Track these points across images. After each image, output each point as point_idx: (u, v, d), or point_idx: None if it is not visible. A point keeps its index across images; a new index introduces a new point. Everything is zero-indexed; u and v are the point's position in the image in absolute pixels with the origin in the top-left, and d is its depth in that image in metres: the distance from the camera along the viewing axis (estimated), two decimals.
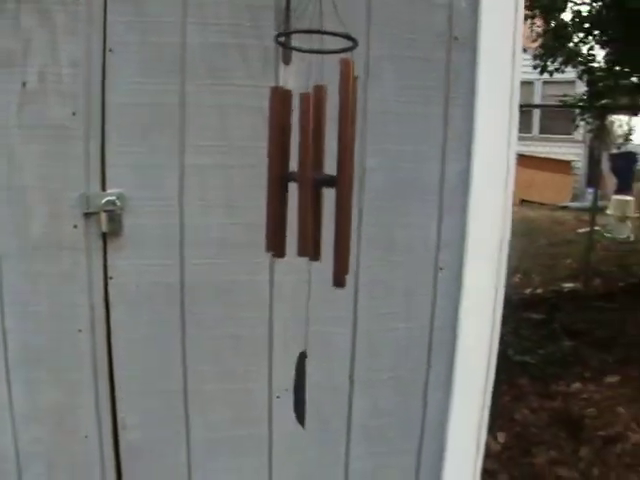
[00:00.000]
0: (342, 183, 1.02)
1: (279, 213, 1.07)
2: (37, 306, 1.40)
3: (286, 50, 1.47)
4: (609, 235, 6.97)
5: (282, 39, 1.07)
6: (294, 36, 1.08)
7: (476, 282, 1.69)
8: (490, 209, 1.67)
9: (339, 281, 1.05)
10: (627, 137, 13.93)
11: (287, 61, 1.47)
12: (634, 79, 5.23)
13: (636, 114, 6.76)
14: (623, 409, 3.35)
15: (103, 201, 1.38)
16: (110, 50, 1.35)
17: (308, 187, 1.00)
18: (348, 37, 1.04)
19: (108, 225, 1.40)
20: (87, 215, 1.39)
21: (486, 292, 1.71)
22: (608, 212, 8.18)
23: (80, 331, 1.42)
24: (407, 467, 1.75)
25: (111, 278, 1.43)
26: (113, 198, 1.38)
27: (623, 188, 10.72)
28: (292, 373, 1.58)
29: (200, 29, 1.40)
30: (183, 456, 1.54)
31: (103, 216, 1.39)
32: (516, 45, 1.62)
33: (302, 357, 1.19)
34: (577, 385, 3.84)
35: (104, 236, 1.41)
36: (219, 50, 1.42)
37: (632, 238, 6.98)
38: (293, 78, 1.48)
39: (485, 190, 1.66)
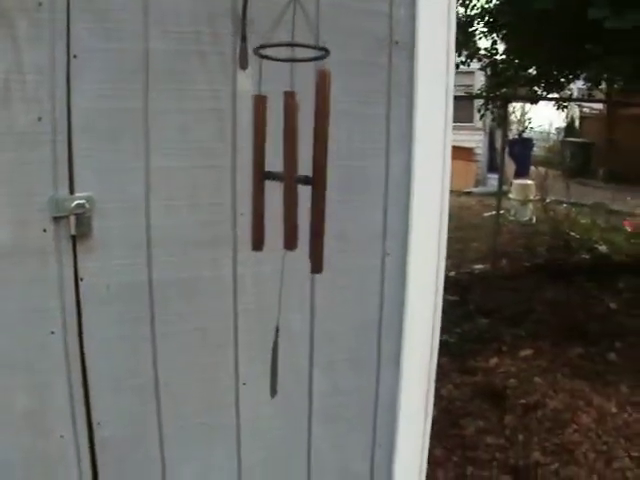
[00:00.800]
0: (319, 182, 1.13)
1: (261, 209, 1.16)
2: (8, 311, 1.41)
3: (243, 56, 1.55)
4: (513, 218, 7.47)
5: (262, 51, 1.15)
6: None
7: (419, 265, 1.85)
8: (430, 198, 1.83)
9: (317, 268, 1.16)
10: (525, 125, 14.82)
11: (244, 66, 1.55)
12: (531, 70, 5.65)
13: (535, 102, 7.28)
14: (539, 379, 3.68)
15: (73, 204, 1.40)
16: (74, 56, 1.38)
17: (294, 186, 1.11)
18: (322, 48, 1.15)
19: (77, 228, 1.42)
20: (56, 219, 1.41)
21: (428, 274, 1.88)
22: (510, 196, 8.73)
23: (53, 333, 1.44)
24: (364, 443, 1.89)
25: (82, 279, 1.46)
26: (82, 201, 1.41)
27: (521, 173, 11.45)
28: (256, 361, 1.68)
29: (162, 36, 1.45)
30: (156, 448, 1.60)
31: (72, 219, 1.41)
32: (450, 47, 1.78)
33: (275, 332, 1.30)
34: (495, 360, 4.15)
35: (73, 239, 1.44)
36: (180, 56, 1.48)
37: (534, 220, 7.51)
38: (250, 82, 1.56)
39: (425, 182, 1.81)
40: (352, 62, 1.69)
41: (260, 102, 1.15)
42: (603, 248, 6.27)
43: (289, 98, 1.11)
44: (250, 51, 1.53)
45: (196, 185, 1.55)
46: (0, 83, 1.34)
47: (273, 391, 1.31)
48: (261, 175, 1.15)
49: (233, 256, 1.60)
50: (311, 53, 1.18)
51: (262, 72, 1.54)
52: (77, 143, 1.41)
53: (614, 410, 3.39)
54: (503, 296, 5.36)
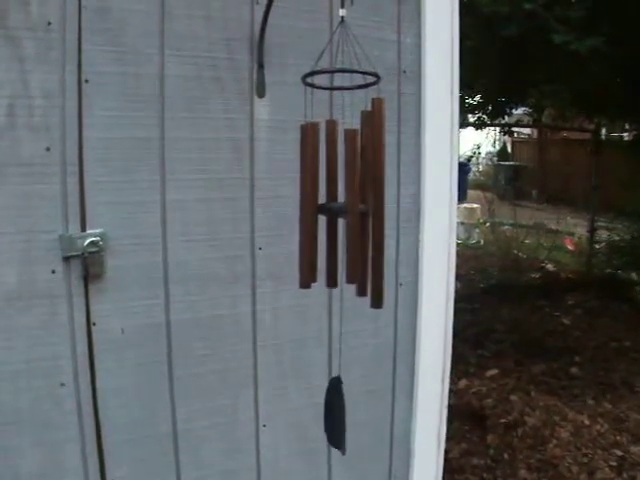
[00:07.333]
0: (378, 214, 1.08)
1: (315, 244, 1.09)
2: (13, 361, 1.26)
3: (260, 83, 1.48)
4: (461, 241, 7.61)
5: (308, 79, 1.09)
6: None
7: (430, 293, 1.82)
8: (439, 227, 1.81)
9: (378, 303, 1.10)
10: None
11: (261, 94, 1.48)
12: (478, 97, 5.81)
13: (480, 129, 7.52)
14: (512, 397, 3.70)
15: (86, 242, 1.28)
16: (86, 81, 1.27)
17: (357, 218, 1.04)
18: (373, 74, 1.10)
19: (90, 268, 1.30)
20: (67, 259, 1.28)
21: (439, 301, 1.84)
22: (457, 220, 8.88)
23: (63, 385, 1.30)
24: (380, 473, 1.82)
25: (94, 324, 1.33)
26: (97, 239, 1.29)
27: (459, 197, 11.74)
28: (276, 401, 1.59)
29: (177, 61, 1.36)
30: None
31: (84, 258, 1.29)
32: (454, 75, 1.77)
33: (336, 381, 1.21)
34: (464, 381, 4.15)
35: (85, 280, 1.31)
36: (196, 82, 1.39)
37: (482, 242, 7.68)
38: (267, 110, 1.50)
39: (434, 210, 1.79)
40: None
41: (311, 130, 1.09)
42: (550, 267, 6.48)
43: (350, 134, 1.07)
44: (267, 79, 1.48)
45: (213, 219, 1.45)
46: (5, 108, 1.21)
47: (341, 444, 1.20)
48: (314, 209, 1.09)
49: (252, 292, 1.51)
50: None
51: (278, 101, 1.50)
52: (89, 175, 1.30)
53: (587, 422, 3.45)
54: (462, 318, 5.40)
